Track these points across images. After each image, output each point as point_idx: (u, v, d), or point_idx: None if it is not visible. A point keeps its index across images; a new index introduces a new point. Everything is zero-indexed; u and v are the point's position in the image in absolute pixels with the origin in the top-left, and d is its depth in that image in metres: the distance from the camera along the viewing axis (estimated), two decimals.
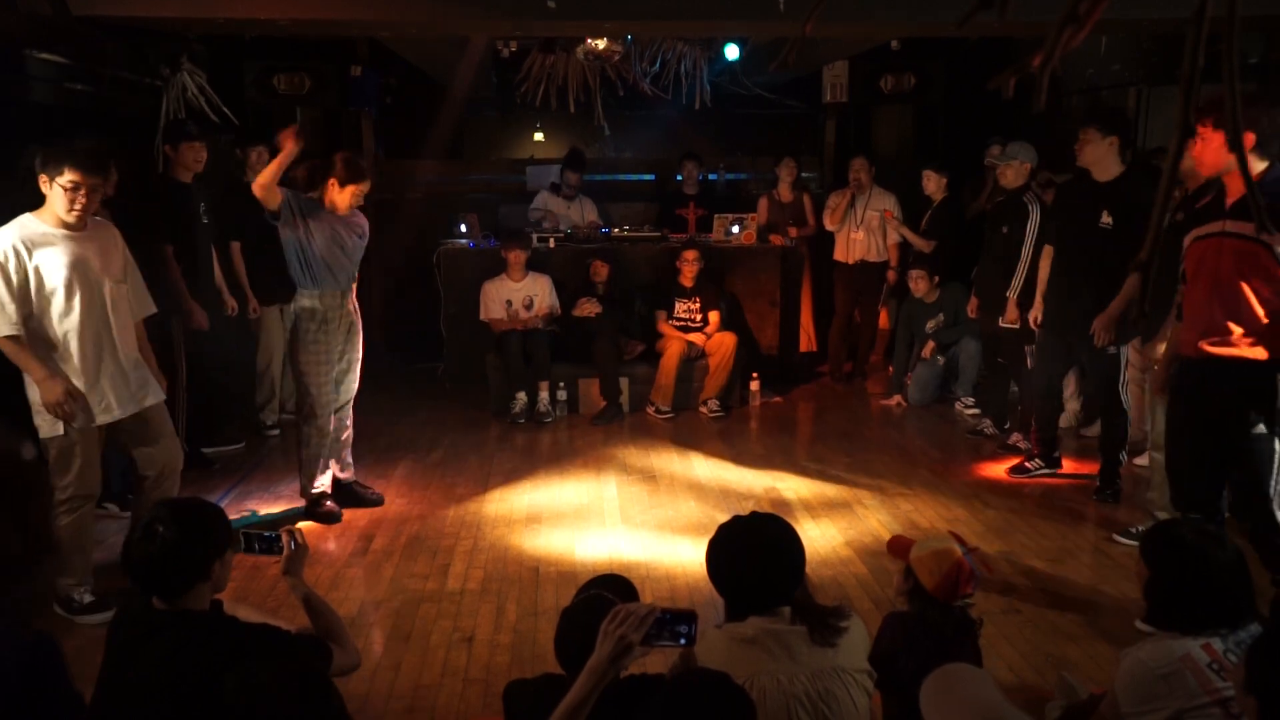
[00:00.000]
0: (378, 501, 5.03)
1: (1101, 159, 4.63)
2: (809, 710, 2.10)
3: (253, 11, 5.19)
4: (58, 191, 3.53)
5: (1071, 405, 6.08)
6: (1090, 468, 5.26)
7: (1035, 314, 5.31)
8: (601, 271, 6.94)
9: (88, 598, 3.76)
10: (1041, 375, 5.23)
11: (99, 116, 5.55)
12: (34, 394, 3.61)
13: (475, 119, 10.51)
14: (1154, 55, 6.75)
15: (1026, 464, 5.40)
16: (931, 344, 6.83)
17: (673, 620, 1.93)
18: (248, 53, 7.50)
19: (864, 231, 7.34)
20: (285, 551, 2.61)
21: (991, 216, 5.97)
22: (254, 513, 4.97)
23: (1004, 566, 4.21)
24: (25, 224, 3.57)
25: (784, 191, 7.76)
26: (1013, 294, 5.58)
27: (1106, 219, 4.62)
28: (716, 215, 7.50)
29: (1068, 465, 5.42)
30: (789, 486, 5.30)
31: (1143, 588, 2.44)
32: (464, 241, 7.46)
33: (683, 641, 1.95)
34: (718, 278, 7.16)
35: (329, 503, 4.85)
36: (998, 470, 5.50)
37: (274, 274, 5.26)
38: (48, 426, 3.63)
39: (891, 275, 7.43)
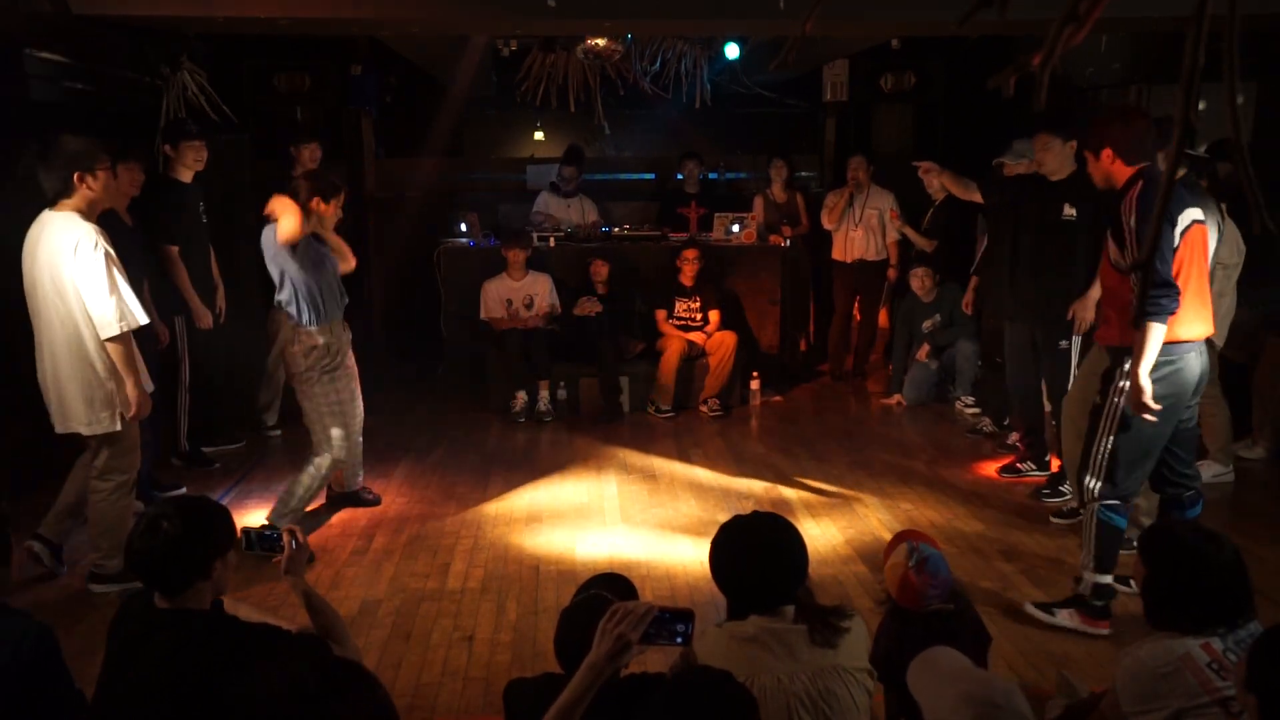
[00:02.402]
0: (375, 502, 5.03)
1: (1065, 163, 4.73)
2: (809, 709, 2.10)
3: (253, 10, 5.19)
4: (105, 179, 3.76)
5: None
6: None
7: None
8: (602, 271, 6.93)
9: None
10: (1017, 375, 5.22)
11: (99, 115, 5.55)
12: (99, 394, 3.71)
13: (475, 118, 10.50)
14: (1154, 54, 6.75)
15: (1018, 464, 5.40)
16: (926, 346, 6.83)
17: (671, 619, 1.94)
18: (248, 52, 7.50)
19: (862, 230, 7.33)
20: (286, 551, 2.61)
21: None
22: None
23: (1003, 564, 4.24)
24: (85, 220, 3.67)
25: (778, 191, 7.76)
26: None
27: (1069, 211, 4.71)
28: (717, 214, 7.50)
29: (1057, 464, 5.41)
30: (789, 486, 5.31)
31: (1141, 587, 2.44)
32: (464, 240, 7.45)
33: (680, 641, 1.95)
34: (718, 277, 7.16)
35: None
36: (996, 469, 5.50)
37: None
38: (111, 420, 3.77)
39: (892, 274, 7.43)
